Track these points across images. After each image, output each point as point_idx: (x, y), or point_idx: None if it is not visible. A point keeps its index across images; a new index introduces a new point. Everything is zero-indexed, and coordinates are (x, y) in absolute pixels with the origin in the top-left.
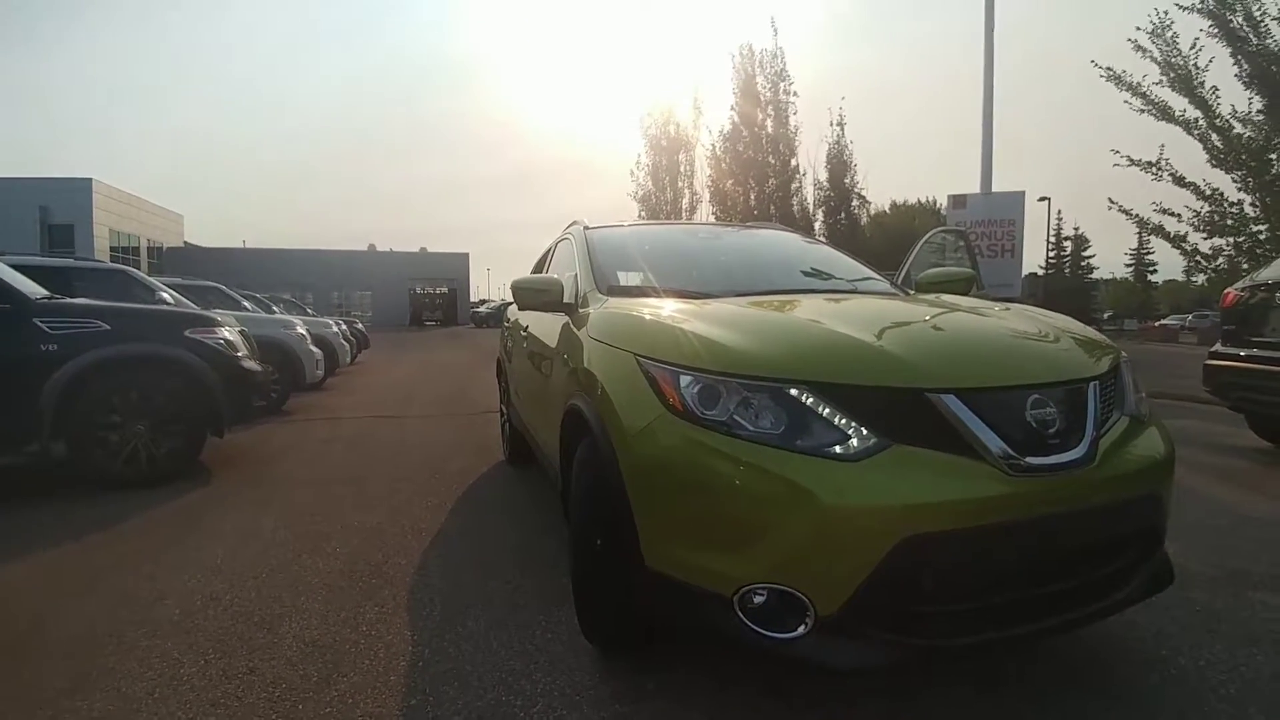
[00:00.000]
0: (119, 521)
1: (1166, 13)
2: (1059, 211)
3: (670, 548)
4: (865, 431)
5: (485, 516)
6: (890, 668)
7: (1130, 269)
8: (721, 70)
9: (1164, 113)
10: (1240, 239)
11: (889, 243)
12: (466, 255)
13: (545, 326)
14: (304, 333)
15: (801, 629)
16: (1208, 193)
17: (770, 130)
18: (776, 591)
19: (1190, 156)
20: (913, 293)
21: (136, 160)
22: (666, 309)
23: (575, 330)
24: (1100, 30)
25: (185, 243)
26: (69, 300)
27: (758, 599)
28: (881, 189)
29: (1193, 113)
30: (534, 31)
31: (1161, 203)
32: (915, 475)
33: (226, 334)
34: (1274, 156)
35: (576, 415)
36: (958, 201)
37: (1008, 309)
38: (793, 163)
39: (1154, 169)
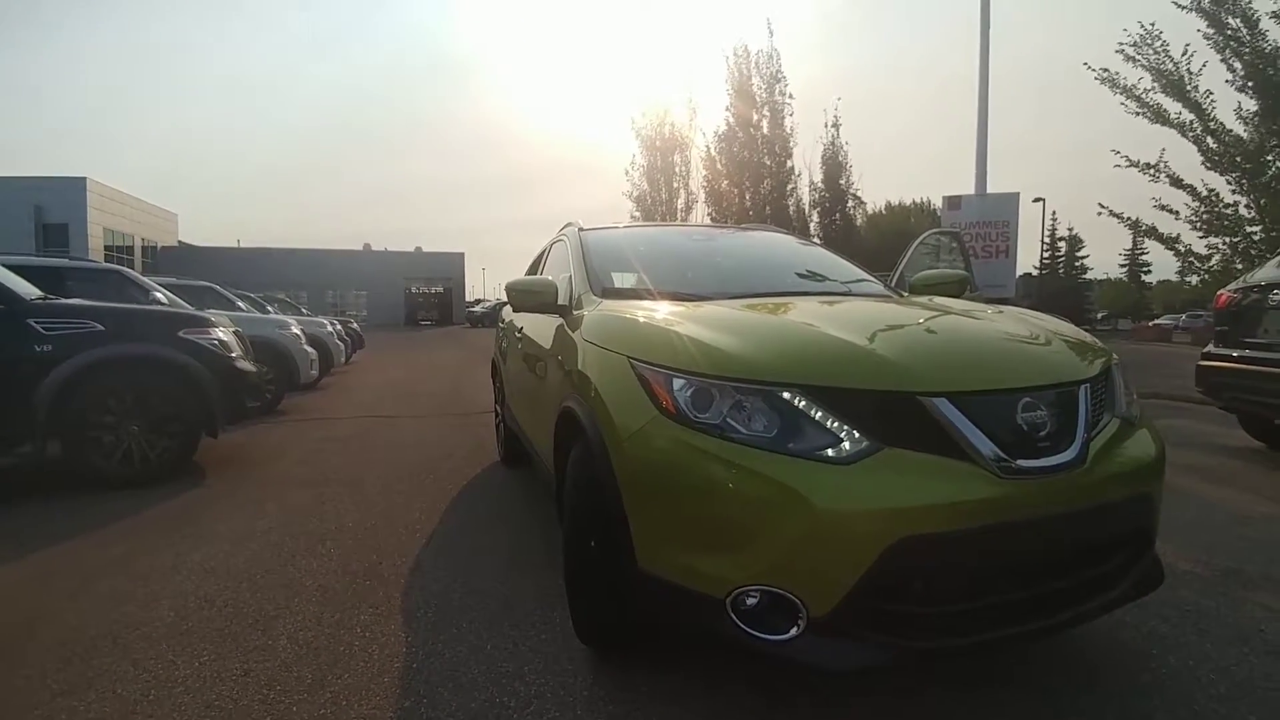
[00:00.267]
0: (113, 522)
1: (1154, 23)
2: (1053, 212)
3: (664, 550)
4: (857, 434)
5: (480, 518)
6: (882, 669)
7: (1124, 269)
8: (717, 71)
9: (1158, 115)
10: (1235, 239)
11: (884, 243)
12: (462, 255)
13: (540, 328)
14: (298, 333)
15: (794, 630)
16: (1204, 194)
17: (766, 131)
18: (769, 593)
19: (1187, 157)
20: (906, 295)
21: (131, 159)
22: (660, 311)
23: (569, 332)
24: (1096, 31)
25: (180, 242)
26: (63, 301)
27: (751, 601)
28: (877, 190)
29: (1187, 115)
30: (530, 32)
31: (1161, 198)
32: (907, 478)
33: (221, 334)
34: (1269, 158)
35: (570, 417)
36: (952, 203)
37: (1000, 312)
38: (788, 164)
39: (1152, 170)
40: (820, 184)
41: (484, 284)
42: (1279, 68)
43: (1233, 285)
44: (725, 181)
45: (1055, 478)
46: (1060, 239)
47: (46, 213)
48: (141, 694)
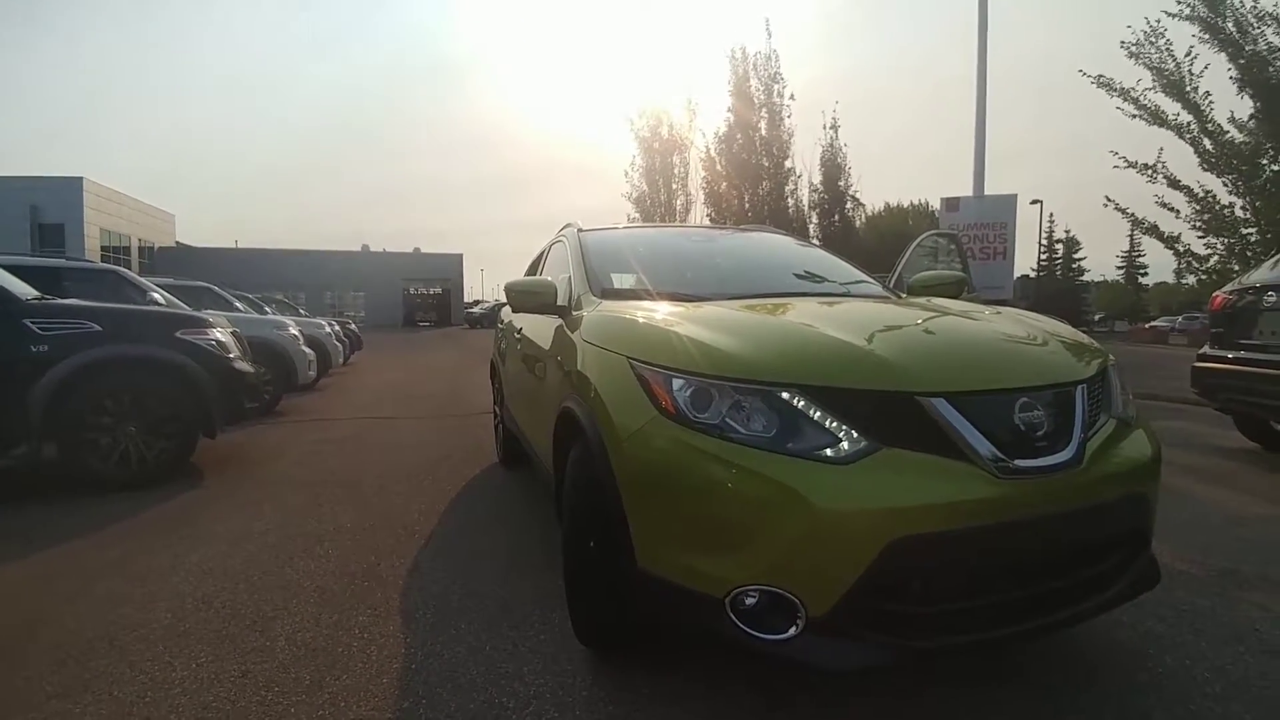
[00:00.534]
0: (110, 524)
1: (1159, 21)
2: (1051, 214)
3: (663, 550)
4: (856, 434)
5: (478, 519)
6: (881, 668)
7: (1121, 271)
8: (716, 72)
9: (1155, 117)
10: (1232, 240)
11: (883, 245)
12: (460, 256)
13: (539, 329)
14: (296, 333)
15: (793, 630)
16: (1201, 195)
17: (764, 133)
18: (768, 593)
19: (1184, 158)
20: (905, 296)
21: (128, 159)
22: (659, 312)
23: (569, 333)
24: (1095, 32)
25: (177, 242)
26: (60, 301)
27: (750, 600)
28: (875, 191)
29: (1185, 117)
30: (530, 32)
31: (1162, 196)
32: (905, 478)
33: (218, 335)
34: (1264, 161)
35: (570, 418)
36: (950, 204)
37: (998, 313)
38: (787, 165)
39: (1150, 171)
40: (819, 185)
41: (482, 285)
42: (1273, 70)
43: (1228, 287)
44: (724, 183)
45: (1052, 478)
46: (1058, 241)
47: (42, 213)
48: (138, 696)
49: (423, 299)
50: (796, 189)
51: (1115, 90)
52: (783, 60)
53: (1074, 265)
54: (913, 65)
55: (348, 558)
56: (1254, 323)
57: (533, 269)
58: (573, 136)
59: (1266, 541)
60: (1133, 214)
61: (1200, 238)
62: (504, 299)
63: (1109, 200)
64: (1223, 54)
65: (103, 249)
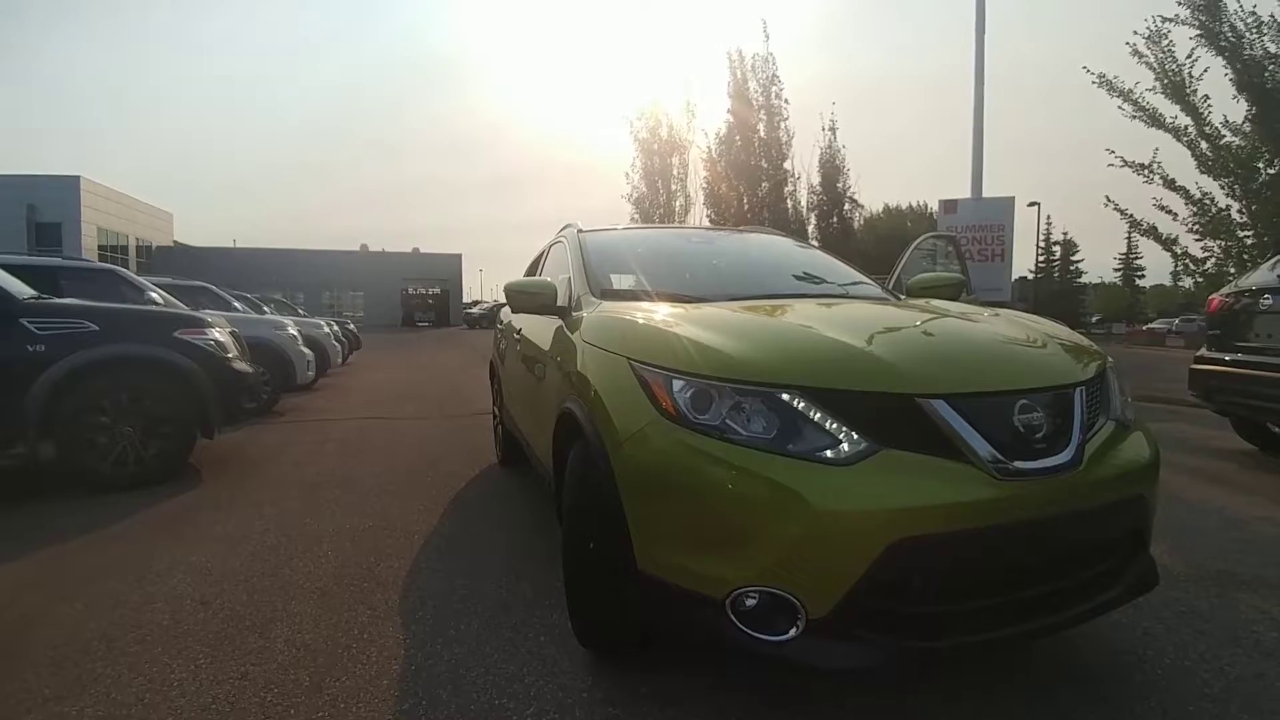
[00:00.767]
0: (107, 524)
1: (1164, 20)
2: (1048, 216)
3: (663, 551)
4: (856, 436)
5: (478, 519)
6: (881, 669)
7: (1119, 274)
8: (715, 73)
9: (1154, 119)
10: (1229, 244)
11: (881, 247)
12: (459, 256)
13: (538, 329)
14: (295, 333)
15: (793, 631)
16: (1197, 197)
17: (763, 134)
18: (768, 594)
19: (1182, 160)
20: (904, 297)
21: (125, 158)
22: (659, 313)
23: (568, 333)
24: (1092, 35)
25: (175, 242)
26: (57, 300)
27: (750, 602)
28: (875, 193)
29: (1183, 119)
30: (529, 32)
31: (1160, 199)
32: (905, 479)
33: (217, 335)
34: (1260, 164)
35: (570, 419)
36: (948, 206)
37: (997, 314)
38: (785, 166)
39: (1146, 171)
40: (818, 187)
41: (481, 285)
42: (1270, 74)
43: (1225, 290)
44: (724, 184)
45: (1051, 479)
46: (1055, 243)
47: (39, 212)
48: (136, 698)
49: (421, 299)
50: (795, 190)
51: (1116, 91)
52: (781, 62)
53: (1072, 267)
54: (911, 67)
55: (347, 559)
56: (1251, 325)
57: (532, 269)
58: (572, 137)
59: (1264, 543)
60: (1131, 215)
61: (1197, 240)
62: (503, 299)
63: (1108, 200)
64: (1220, 58)
65: (100, 248)
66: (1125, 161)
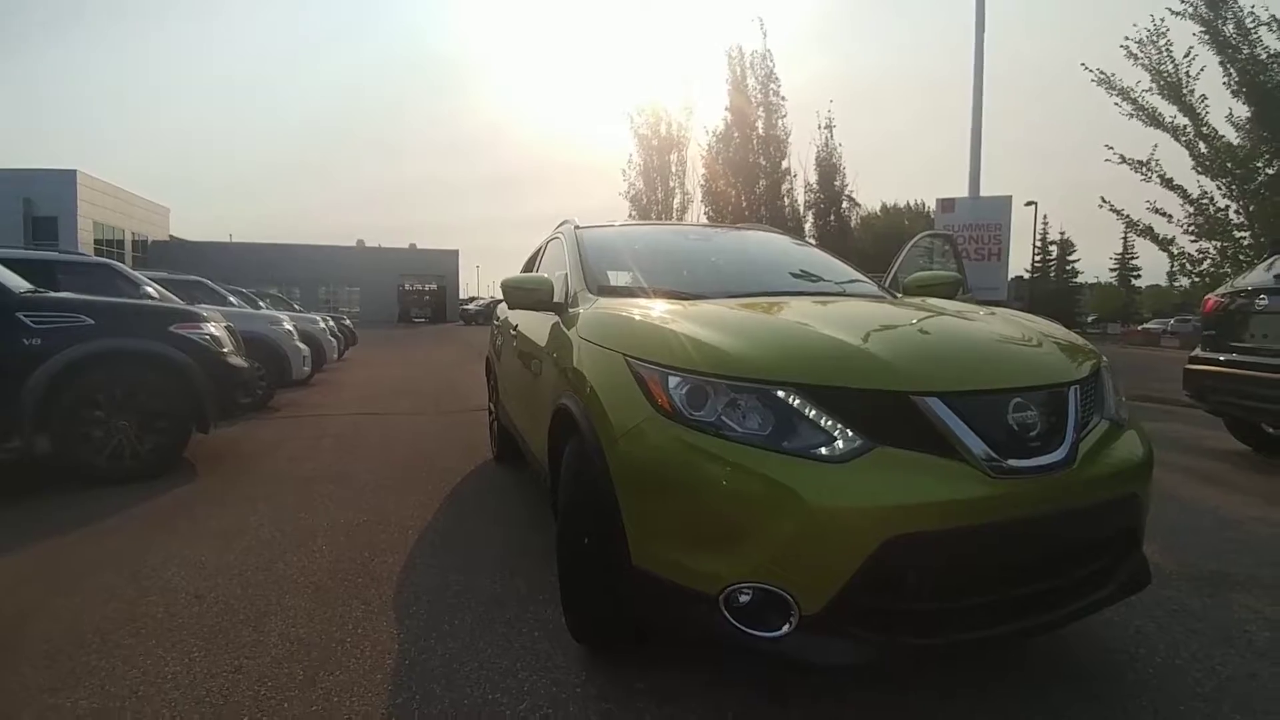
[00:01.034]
0: (102, 518)
1: (1163, 19)
2: (1045, 216)
3: (657, 547)
4: (851, 433)
5: (472, 515)
6: (874, 666)
7: (1114, 274)
8: (714, 70)
9: (1153, 118)
10: (1225, 244)
11: (878, 245)
12: (456, 252)
13: (535, 325)
14: (291, 329)
15: (786, 627)
16: (1195, 196)
17: (761, 131)
18: (762, 590)
19: (1181, 159)
20: (900, 296)
21: (124, 155)
22: (656, 310)
23: (565, 330)
24: (1091, 35)
25: (171, 236)
26: (52, 294)
27: (743, 598)
28: (872, 191)
29: (1181, 119)
30: (526, 30)
31: (1156, 202)
32: (899, 477)
33: (212, 329)
34: (1259, 164)
35: (565, 415)
36: (946, 205)
37: (992, 313)
38: (783, 164)
39: (1144, 169)
40: (814, 185)
41: (478, 282)
42: (1270, 75)
43: (1220, 290)
44: (722, 181)
45: (1045, 477)
46: (1052, 242)
47: (36, 205)
48: (130, 690)
49: (418, 295)
50: (792, 188)
51: (1114, 89)
52: (779, 61)
53: (1068, 267)
54: (909, 67)
55: (341, 553)
56: (1246, 325)
57: (529, 265)
58: (569, 134)
59: (1256, 543)
60: (1127, 215)
61: (1193, 241)
62: (500, 295)
63: (1104, 201)
64: (1219, 57)
65: (96, 242)
66: (1123, 158)
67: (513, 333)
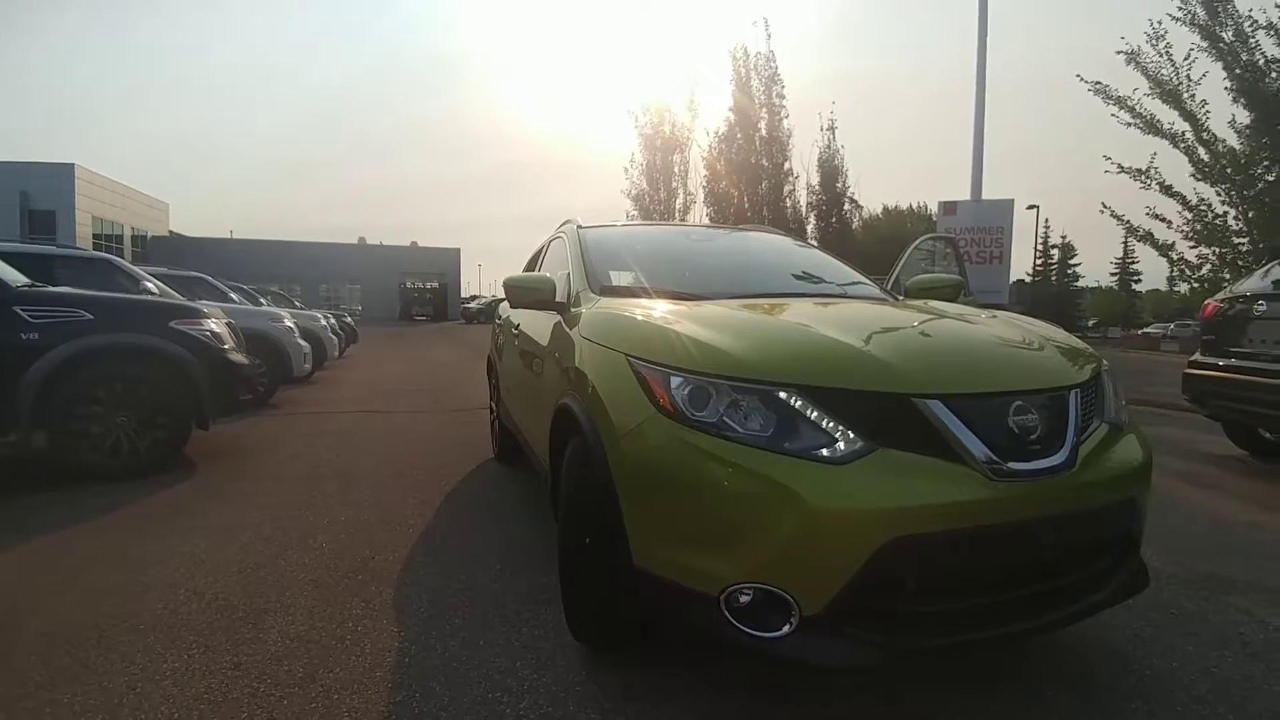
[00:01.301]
0: (101, 514)
1: (1161, 23)
2: (1047, 220)
3: (658, 547)
4: (852, 435)
5: (473, 513)
6: (874, 667)
7: (1115, 278)
8: (717, 71)
9: (1151, 125)
10: (1224, 250)
11: (880, 247)
12: (458, 250)
13: (537, 325)
14: (291, 325)
15: (786, 628)
16: (1194, 203)
17: (764, 132)
18: (762, 591)
19: (1179, 166)
20: (902, 298)
21: (122, 148)
22: (658, 310)
23: (567, 329)
24: (1093, 38)
25: (171, 232)
26: (51, 289)
27: (744, 598)
28: (875, 194)
29: (1180, 125)
30: (529, 29)
31: (1155, 207)
32: (900, 479)
33: (212, 325)
34: (1259, 171)
35: (567, 414)
36: (948, 208)
37: (994, 316)
38: (785, 166)
39: (1143, 177)
40: (817, 187)
41: (479, 280)
42: (1270, 81)
43: (1219, 295)
44: (724, 182)
45: (1045, 480)
46: (1053, 246)
47: (33, 199)
48: (128, 686)
49: (419, 293)
50: (795, 190)
51: (1111, 98)
52: (782, 64)
53: (1069, 271)
54: (912, 69)
55: (342, 551)
56: (1244, 331)
57: (531, 265)
58: (572, 133)
59: (1253, 547)
60: (1128, 221)
61: (1192, 247)
62: (501, 294)
63: (1105, 207)
64: (1219, 63)
65: (95, 237)
66: (1122, 168)
67: (514, 332)
